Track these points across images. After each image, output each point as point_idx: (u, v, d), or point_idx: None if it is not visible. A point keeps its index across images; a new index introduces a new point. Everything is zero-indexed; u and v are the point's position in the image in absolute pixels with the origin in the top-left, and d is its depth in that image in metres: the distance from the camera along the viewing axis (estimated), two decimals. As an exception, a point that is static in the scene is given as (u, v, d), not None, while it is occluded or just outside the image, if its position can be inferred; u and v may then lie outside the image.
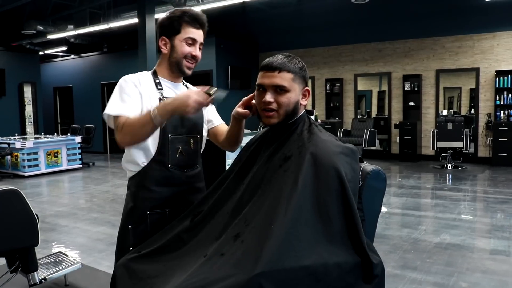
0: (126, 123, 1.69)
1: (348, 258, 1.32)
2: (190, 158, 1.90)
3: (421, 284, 3.51)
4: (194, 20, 1.83)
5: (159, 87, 1.85)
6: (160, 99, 1.80)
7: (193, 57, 1.86)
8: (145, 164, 1.81)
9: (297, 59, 1.59)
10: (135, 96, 1.78)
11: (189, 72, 1.89)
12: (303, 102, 1.61)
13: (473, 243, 4.53)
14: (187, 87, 1.98)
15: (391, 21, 10.55)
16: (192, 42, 1.84)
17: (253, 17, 11.99)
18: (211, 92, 1.64)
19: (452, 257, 4.09)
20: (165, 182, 1.83)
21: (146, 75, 1.87)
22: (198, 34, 1.85)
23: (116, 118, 1.73)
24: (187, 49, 1.83)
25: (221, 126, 2.04)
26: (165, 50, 1.87)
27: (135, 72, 1.89)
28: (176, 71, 1.88)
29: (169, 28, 1.84)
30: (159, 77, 1.88)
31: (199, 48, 1.88)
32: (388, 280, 3.37)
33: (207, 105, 1.67)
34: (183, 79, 1.98)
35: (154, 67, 1.92)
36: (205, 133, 1.99)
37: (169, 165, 1.83)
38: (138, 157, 1.81)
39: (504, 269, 3.81)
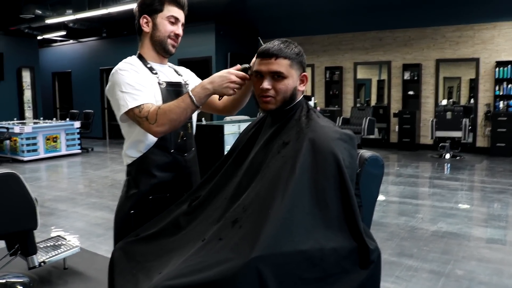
0: (161, 111, 1.62)
1: (344, 243, 1.32)
2: (189, 141, 1.91)
3: (417, 272, 3.54)
4: (176, 0, 1.81)
5: (153, 71, 1.81)
6: (159, 83, 1.79)
7: (177, 36, 1.83)
8: (147, 150, 1.79)
9: (294, 45, 1.58)
10: (143, 82, 1.73)
11: (173, 50, 1.85)
12: (301, 88, 1.61)
13: (470, 231, 4.56)
14: (175, 70, 1.96)
15: (392, 9, 10.47)
16: (175, 21, 1.81)
17: (253, 4, 11.89)
18: (247, 66, 1.67)
19: (448, 245, 4.12)
20: (167, 167, 1.82)
21: (136, 61, 1.82)
22: (180, 14, 1.82)
23: (138, 109, 1.65)
24: (170, 27, 1.81)
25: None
26: (147, 28, 1.82)
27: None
28: (161, 51, 1.85)
29: (151, 7, 1.80)
30: (148, 61, 1.85)
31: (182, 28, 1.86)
32: (384, 267, 3.40)
33: (249, 80, 1.68)
34: (181, 64, 1.97)
35: (138, 51, 1.87)
36: (195, 116, 1.98)
37: (172, 150, 1.83)
38: (141, 142, 1.78)
39: (500, 257, 3.84)
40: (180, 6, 1.82)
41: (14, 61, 12.40)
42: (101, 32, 13.56)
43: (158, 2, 1.79)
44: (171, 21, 1.80)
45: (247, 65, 1.69)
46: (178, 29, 1.83)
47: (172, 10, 1.80)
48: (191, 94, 1.62)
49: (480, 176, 7.70)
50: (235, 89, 1.66)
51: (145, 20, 1.82)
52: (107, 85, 1.77)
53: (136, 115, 1.66)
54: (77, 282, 3.39)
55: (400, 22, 10.50)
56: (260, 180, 1.46)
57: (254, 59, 1.65)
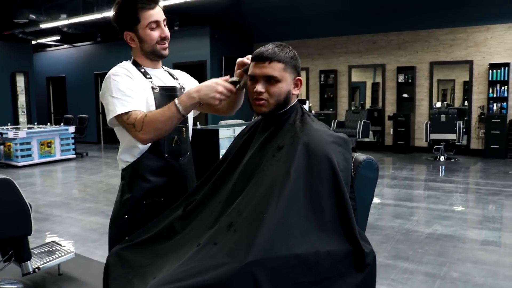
0: (147, 119, 1.62)
1: (340, 246, 1.32)
2: (183, 146, 1.90)
3: (412, 274, 3.55)
4: (147, 1, 1.75)
5: (147, 76, 1.81)
6: (152, 88, 1.78)
7: (164, 38, 1.81)
8: (141, 154, 1.79)
9: (288, 48, 1.58)
10: (135, 88, 1.72)
11: (166, 52, 1.84)
12: (295, 91, 1.61)
13: (465, 233, 4.58)
14: (168, 73, 1.96)
15: (386, 13, 10.53)
16: (156, 24, 1.78)
17: (247, 8, 11.93)
18: (235, 80, 1.67)
19: (443, 248, 4.13)
20: (161, 172, 1.82)
21: (130, 66, 1.81)
22: (157, 14, 1.78)
23: (126, 115, 1.66)
24: (154, 34, 1.78)
25: None
26: (133, 44, 1.81)
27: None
28: (154, 58, 1.84)
29: (127, 21, 1.77)
30: (142, 66, 1.84)
31: (165, 25, 1.82)
32: (380, 270, 3.40)
33: (234, 94, 1.69)
34: (176, 67, 1.96)
35: (132, 58, 1.86)
36: (190, 120, 1.98)
37: (166, 155, 1.82)
38: (135, 147, 1.78)
39: (494, 259, 3.85)
40: (153, 5, 1.77)
41: (8, 66, 12.37)
42: (96, 37, 13.54)
43: (131, 13, 1.75)
44: (152, 27, 1.77)
45: (235, 79, 1.69)
46: (163, 32, 1.80)
47: (149, 15, 1.75)
48: (176, 102, 1.62)
49: (475, 178, 7.73)
50: (220, 100, 1.65)
51: (129, 36, 1.80)
52: (101, 90, 1.77)
53: (124, 122, 1.67)
54: (72, 288, 3.37)
55: (394, 25, 10.55)
56: (255, 184, 1.46)
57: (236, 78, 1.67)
